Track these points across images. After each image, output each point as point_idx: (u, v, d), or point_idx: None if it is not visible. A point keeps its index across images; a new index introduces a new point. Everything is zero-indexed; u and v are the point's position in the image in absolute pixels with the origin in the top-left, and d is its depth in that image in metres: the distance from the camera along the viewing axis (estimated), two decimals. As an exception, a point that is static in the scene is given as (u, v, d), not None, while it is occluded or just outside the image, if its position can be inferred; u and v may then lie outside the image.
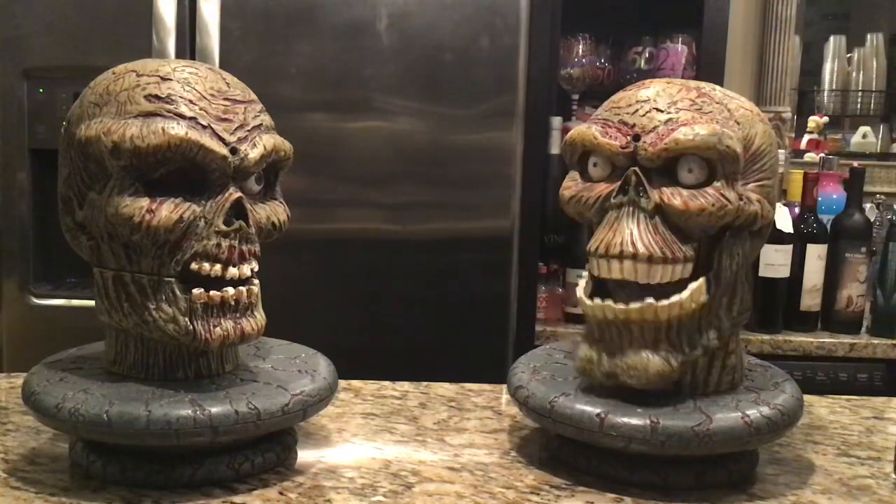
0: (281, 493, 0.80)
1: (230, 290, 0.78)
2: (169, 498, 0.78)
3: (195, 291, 0.77)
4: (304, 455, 0.89)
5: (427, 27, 1.69)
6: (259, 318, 0.81)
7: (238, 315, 0.79)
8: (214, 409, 0.76)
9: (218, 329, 0.78)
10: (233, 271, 0.78)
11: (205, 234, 0.77)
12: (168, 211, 0.76)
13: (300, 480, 0.83)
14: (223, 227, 0.78)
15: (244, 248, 0.79)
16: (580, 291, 0.83)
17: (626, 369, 0.78)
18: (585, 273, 0.84)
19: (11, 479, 0.81)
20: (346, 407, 1.05)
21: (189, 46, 1.69)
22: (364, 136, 1.71)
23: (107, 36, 1.70)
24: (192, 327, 0.77)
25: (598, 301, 0.80)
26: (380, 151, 1.72)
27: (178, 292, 0.77)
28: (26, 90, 1.73)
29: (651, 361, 0.78)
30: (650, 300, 0.78)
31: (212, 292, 0.77)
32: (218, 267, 0.78)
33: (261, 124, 0.81)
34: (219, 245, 0.78)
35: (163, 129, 0.74)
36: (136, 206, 0.76)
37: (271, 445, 0.85)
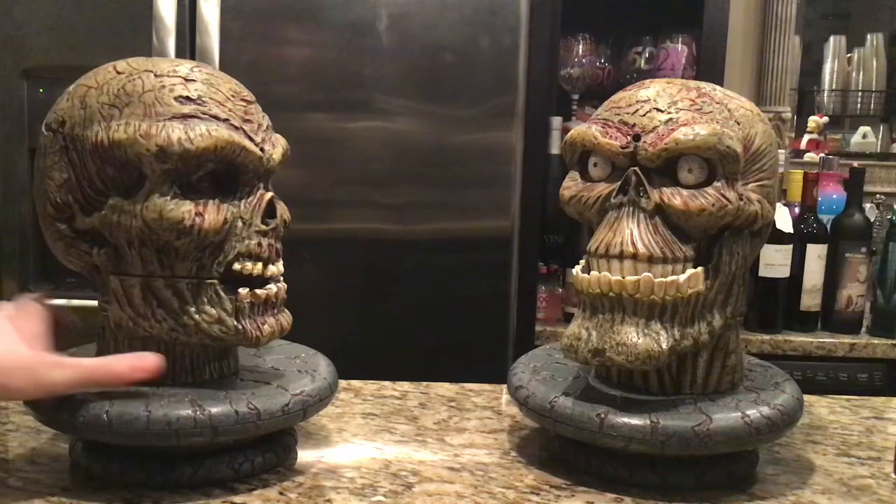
0: (281, 493, 0.80)
1: (273, 288, 0.80)
2: (169, 498, 0.78)
3: (242, 291, 0.78)
4: (304, 455, 0.89)
5: (427, 27, 1.69)
6: (288, 313, 0.83)
7: (276, 311, 0.81)
8: (214, 409, 0.76)
9: (266, 326, 0.79)
10: (272, 269, 0.80)
11: (245, 234, 0.78)
12: (214, 213, 0.76)
13: (300, 480, 0.83)
14: (262, 227, 0.78)
15: (277, 245, 0.81)
16: (576, 270, 0.82)
17: (614, 346, 0.77)
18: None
19: (11, 479, 0.81)
20: (346, 407, 1.04)
21: (189, 46, 1.69)
22: (364, 136, 1.71)
23: (107, 36, 1.70)
24: (241, 326, 0.77)
25: (594, 273, 0.79)
26: (380, 151, 1.72)
27: (222, 293, 0.77)
28: (26, 90, 1.73)
29: (641, 339, 0.77)
30: (647, 274, 0.77)
31: (258, 291, 0.78)
32: (259, 265, 0.79)
33: (269, 125, 0.82)
34: (260, 244, 0.78)
35: (209, 132, 0.74)
36: (184, 209, 0.75)
37: (271, 445, 0.85)
